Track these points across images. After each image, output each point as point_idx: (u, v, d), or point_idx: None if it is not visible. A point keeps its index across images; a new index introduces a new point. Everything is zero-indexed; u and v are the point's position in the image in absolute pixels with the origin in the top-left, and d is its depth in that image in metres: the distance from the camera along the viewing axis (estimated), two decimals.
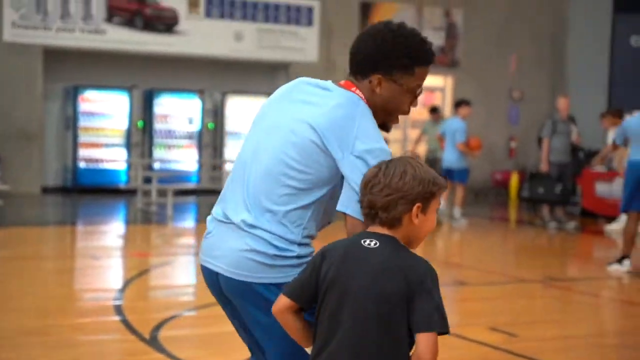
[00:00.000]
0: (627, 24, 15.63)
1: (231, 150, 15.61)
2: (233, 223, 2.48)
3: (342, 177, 2.43)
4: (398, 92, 2.53)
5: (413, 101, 2.57)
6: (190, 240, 10.18)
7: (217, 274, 2.51)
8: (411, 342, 2.21)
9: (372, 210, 2.31)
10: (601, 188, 12.74)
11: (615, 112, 11.84)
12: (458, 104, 12.42)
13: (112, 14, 14.52)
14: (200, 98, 15.39)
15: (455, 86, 17.17)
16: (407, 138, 16.91)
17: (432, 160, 12.97)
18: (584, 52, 16.74)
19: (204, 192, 14.58)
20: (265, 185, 2.46)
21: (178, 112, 15.45)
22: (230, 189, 2.57)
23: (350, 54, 2.58)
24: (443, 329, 2.19)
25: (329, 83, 2.57)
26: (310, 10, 15.55)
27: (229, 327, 2.70)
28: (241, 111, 15.61)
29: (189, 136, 15.58)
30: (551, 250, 10.55)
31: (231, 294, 2.51)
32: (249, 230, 2.44)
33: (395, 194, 2.27)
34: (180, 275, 7.95)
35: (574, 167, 12.63)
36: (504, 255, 10.13)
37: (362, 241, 2.29)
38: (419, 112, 15.55)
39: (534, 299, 7.13)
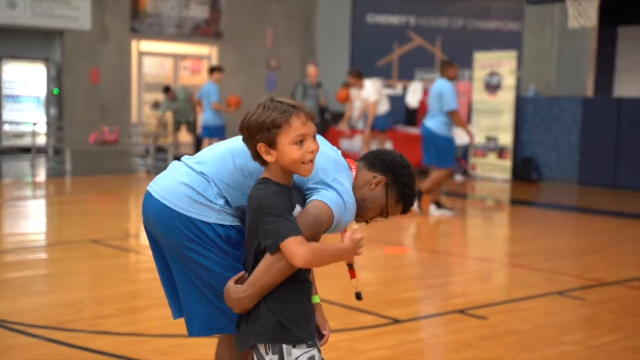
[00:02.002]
0: (364, 4, 17.68)
1: (9, 113, 16.24)
2: (188, 166, 2.52)
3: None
4: (379, 203, 2.57)
5: (373, 218, 2.63)
6: None
7: (149, 196, 2.51)
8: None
9: None
10: (345, 144, 14.56)
11: (356, 73, 13.08)
12: (211, 70, 13.24)
13: None
14: None
15: (219, 55, 18.34)
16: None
17: (186, 124, 14.89)
18: (330, 28, 18.53)
19: None
20: (222, 163, 2.49)
21: None
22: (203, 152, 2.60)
23: (376, 151, 2.66)
24: (289, 234, 2.17)
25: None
26: None
27: None
28: (18, 75, 16.33)
29: None
30: None
31: (153, 221, 2.49)
32: (197, 172, 2.48)
33: (244, 135, 2.30)
34: None
35: (322, 127, 14.00)
36: None
37: None
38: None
39: None
